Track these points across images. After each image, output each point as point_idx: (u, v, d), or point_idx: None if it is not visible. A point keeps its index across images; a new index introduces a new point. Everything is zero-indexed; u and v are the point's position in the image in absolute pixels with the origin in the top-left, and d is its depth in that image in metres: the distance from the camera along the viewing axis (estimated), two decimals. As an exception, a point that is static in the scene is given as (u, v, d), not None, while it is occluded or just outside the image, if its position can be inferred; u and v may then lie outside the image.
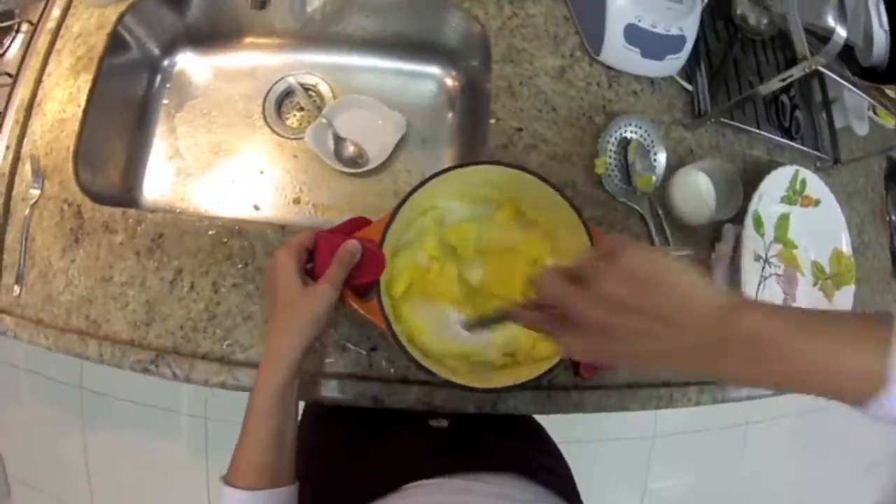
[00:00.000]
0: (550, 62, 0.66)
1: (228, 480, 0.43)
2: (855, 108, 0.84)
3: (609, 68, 0.68)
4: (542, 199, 0.52)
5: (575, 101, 0.65)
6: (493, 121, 0.63)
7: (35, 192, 0.63)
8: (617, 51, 0.66)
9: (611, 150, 0.64)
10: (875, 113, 0.91)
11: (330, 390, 0.57)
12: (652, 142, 0.66)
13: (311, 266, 0.48)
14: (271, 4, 0.73)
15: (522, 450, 0.59)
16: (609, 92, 0.67)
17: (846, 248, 0.77)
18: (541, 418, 0.69)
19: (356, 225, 0.50)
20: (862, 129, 0.85)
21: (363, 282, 0.47)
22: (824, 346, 0.29)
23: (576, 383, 0.59)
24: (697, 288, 0.32)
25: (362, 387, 0.56)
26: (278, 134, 0.77)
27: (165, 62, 0.79)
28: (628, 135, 0.65)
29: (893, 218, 0.97)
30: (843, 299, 0.75)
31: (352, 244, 0.46)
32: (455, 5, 0.68)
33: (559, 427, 0.67)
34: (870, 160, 0.88)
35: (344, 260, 0.45)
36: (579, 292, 0.33)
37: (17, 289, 0.60)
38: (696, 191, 0.63)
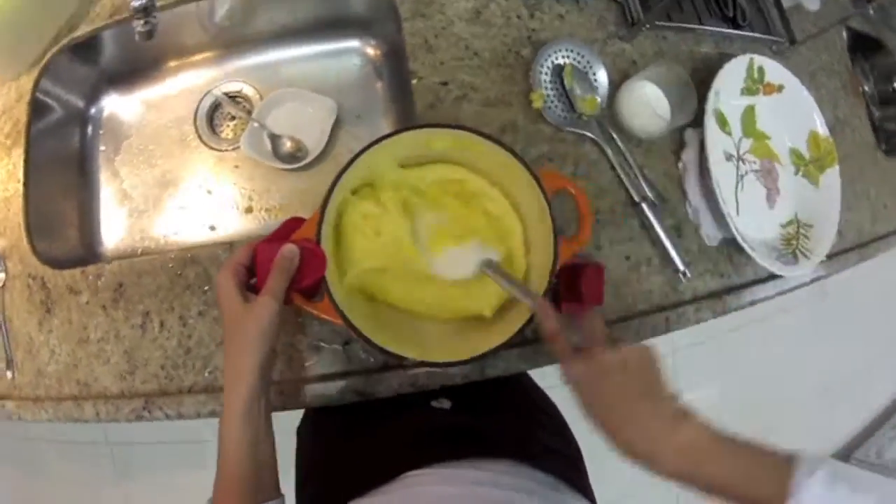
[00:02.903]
0: (463, 5, 0.60)
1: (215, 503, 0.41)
2: (801, -16, 0.76)
3: (527, -2, 0.62)
4: (477, 150, 0.47)
5: (497, 40, 0.59)
6: (415, 81, 0.57)
7: (0, 276, 0.61)
8: (530, -23, 0.59)
9: (545, 81, 0.58)
10: (825, -16, 0.83)
11: (314, 394, 0.53)
12: (588, 62, 0.60)
13: (254, 281, 0.45)
14: (179, 26, 0.69)
15: (526, 431, 0.57)
16: (532, 21, 0.61)
17: (822, 128, 0.70)
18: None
19: (291, 227, 0.46)
20: (813, 4, 0.78)
21: (308, 283, 0.44)
22: (744, 462, 0.36)
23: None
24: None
25: (345, 383, 0.53)
26: (215, 149, 0.73)
27: (92, 111, 0.75)
28: (560, 61, 0.59)
29: (867, 88, 0.90)
30: (830, 182, 0.69)
31: (287, 249, 0.43)
32: (352, -27, 0.63)
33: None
34: (828, 35, 0.81)
35: (282, 267, 0.43)
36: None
37: (9, 373, 0.60)
38: (645, 102, 0.57)
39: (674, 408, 0.39)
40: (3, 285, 0.61)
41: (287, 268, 0.43)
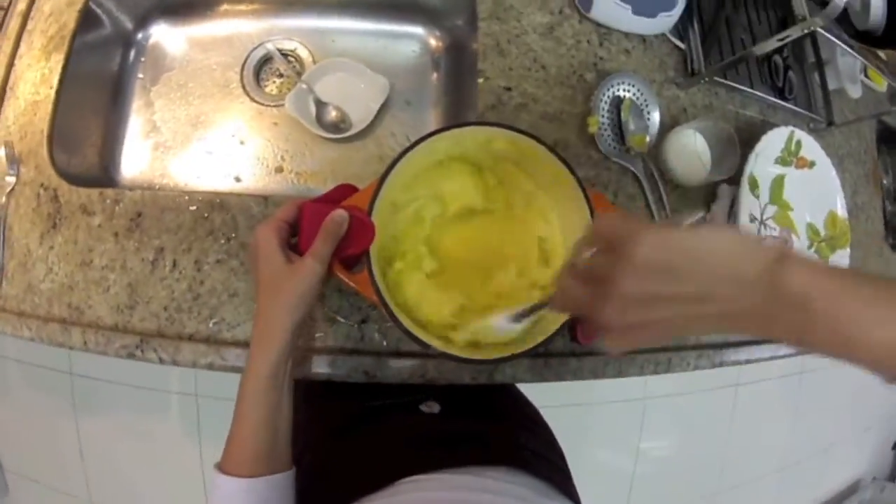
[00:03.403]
0: (539, 19, 0.62)
1: (223, 468, 0.40)
2: (848, 71, 0.81)
3: (599, 25, 0.64)
4: (535, 159, 0.48)
5: (565, 59, 0.61)
6: (481, 80, 0.58)
7: (11, 180, 0.59)
8: (608, 7, 0.61)
9: (603, 109, 0.60)
10: (867, 76, 0.88)
11: (321, 366, 0.53)
12: (645, 101, 0.62)
13: (295, 240, 0.44)
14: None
15: (516, 437, 0.57)
16: (600, 50, 0.63)
17: (841, 210, 0.74)
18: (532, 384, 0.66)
19: (342, 193, 0.46)
20: (855, 91, 0.82)
21: (352, 253, 0.43)
22: (881, 314, 0.26)
23: (573, 350, 0.56)
24: (729, 252, 0.28)
25: (354, 361, 0.53)
26: (258, 102, 0.72)
27: (139, 36, 0.74)
28: (621, 93, 0.61)
29: (885, 182, 0.95)
30: (839, 261, 0.73)
31: (338, 214, 0.42)
32: (438, -38, 0.64)
33: (552, 391, 0.64)
34: (861, 123, 0.86)
35: (330, 231, 0.42)
36: (602, 299, 0.30)
37: None
38: (691, 150, 0.60)
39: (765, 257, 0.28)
40: (12, 190, 0.59)
41: (335, 233, 0.42)
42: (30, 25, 0.64)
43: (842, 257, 0.73)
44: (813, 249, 0.74)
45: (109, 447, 1.33)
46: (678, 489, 1.57)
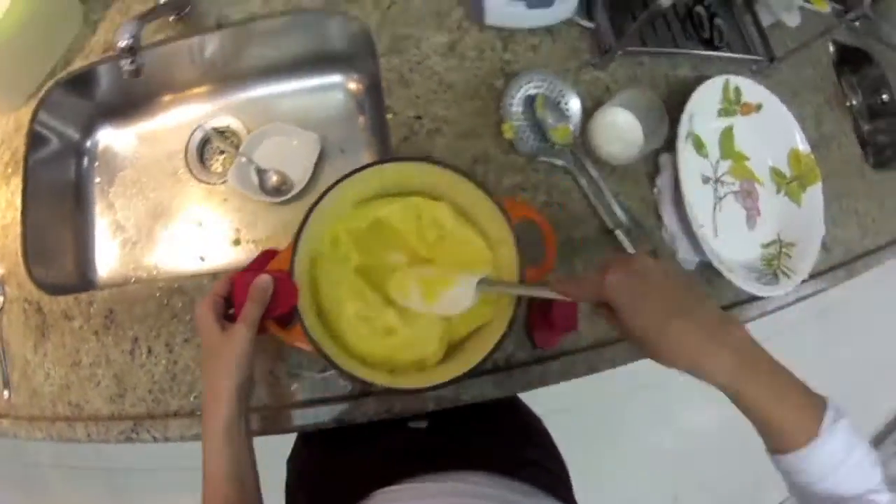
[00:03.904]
0: (438, 39, 0.64)
1: None
2: (781, 1, 0.79)
3: (500, 29, 0.65)
4: (443, 182, 0.50)
5: (471, 72, 0.63)
6: (390, 116, 0.61)
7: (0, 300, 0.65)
8: (500, 10, 0.63)
9: (517, 112, 0.62)
10: (807, 0, 0.85)
11: (294, 420, 0.57)
12: (560, 92, 0.63)
13: (232, 311, 0.49)
14: (171, 62, 0.74)
15: (509, 446, 0.59)
16: (506, 54, 0.65)
17: (802, 145, 0.72)
18: (556, 386, 0.67)
19: (267, 259, 0.50)
20: (792, 20, 0.79)
21: (283, 311, 0.47)
22: (781, 385, 0.38)
23: (537, 356, 0.57)
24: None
25: (324, 410, 0.56)
26: (205, 182, 0.77)
27: (88, 143, 0.81)
28: (532, 91, 0.62)
29: (855, 102, 0.91)
30: (813, 199, 0.71)
31: (261, 280, 0.47)
32: (333, 11, 0.67)
33: (573, 392, 0.65)
34: (813, 52, 0.83)
35: (256, 297, 0.46)
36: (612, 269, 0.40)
37: (6, 393, 0.63)
38: (617, 128, 0.60)
39: (718, 313, 0.39)
40: (2, 308, 0.65)
41: (261, 298, 0.46)
42: None
43: (815, 193, 0.71)
44: (782, 193, 0.72)
45: None
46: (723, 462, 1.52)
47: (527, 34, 0.65)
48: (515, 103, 0.61)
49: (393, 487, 0.46)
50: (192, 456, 1.50)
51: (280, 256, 0.49)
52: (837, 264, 0.75)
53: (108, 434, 0.59)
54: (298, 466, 0.64)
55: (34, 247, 0.67)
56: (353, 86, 0.76)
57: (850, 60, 0.90)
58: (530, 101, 0.62)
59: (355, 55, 0.71)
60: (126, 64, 0.61)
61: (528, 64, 0.64)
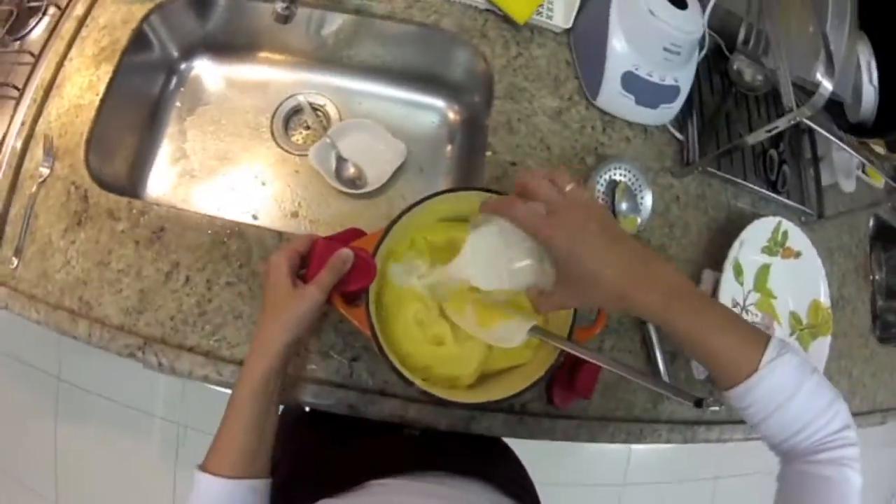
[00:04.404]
0: (549, 103, 0.72)
1: (206, 467, 0.46)
2: (843, 166, 0.89)
3: (604, 113, 0.74)
4: None
5: (569, 142, 0.71)
6: (489, 153, 0.68)
7: (44, 171, 0.66)
8: (613, 96, 0.72)
9: (600, 191, 0.70)
10: (864, 172, 0.97)
11: (309, 394, 0.60)
12: (640, 186, 0.71)
13: (304, 272, 0.52)
14: (290, 24, 0.80)
15: (489, 462, 0.63)
16: (602, 136, 0.73)
17: (824, 299, 0.81)
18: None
19: (352, 236, 0.54)
20: (849, 186, 0.90)
21: (353, 289, 0.51)
22: (723, 315, 0.43)
23: (548, 411, 0.63)
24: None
25: (340, 394, 0.60)
26: (283, 148, 0.82)
27: (182, 66, 0.85)
28: (617, 177, 0.70)
29: (877, 277, 1.03)
30: (819, 350, 0.80)
31: (344, 252, 0.50)
32: (465, 42, 0.75)
33: (533, 467, 0.70)
34: (857, 219, 0.94)
35: (335, 266, 0.49)
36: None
37: (14, 261, 0.63)
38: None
39: (644, 247, 0.44)
40: (44, 180, 0.66)
41: (339, 268, 0.49)
42: (83, 32, 0.73)
43: (822, 344, 0.80)
44: (794, 337, 0.81)
45: (85, 457, 1.39)
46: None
47: (625, 125, 0.74)
48: (601, 183, 0.70)
49: (387, 480, 0.49)
50: (145, 399, 1.50)
51: (366, 239, 0.53)
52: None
53: (111, 342, 0.60)
54: (278, 448, 0.67)
55: (99, 137, 0.69)
56: (451, 115, 0.83)
57: (885, 238, 1.02)
58: (613, 185, 0.70)
59: (466, 88, 0.79)
60: (281, 7, 0.64)
61: (618, 151, 0.73)
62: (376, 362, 0.61)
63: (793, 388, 0.39)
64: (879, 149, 0.85)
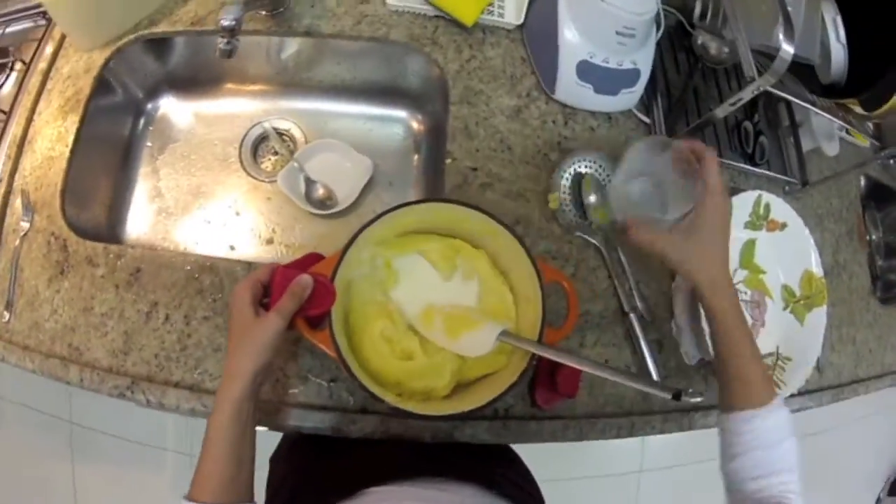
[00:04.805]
0: (507, 101, 0.72)
1: (190, 496, 0.47)
2: (823, 129, 0.87)
3: (565, 106, 0.74)
4: (488, 233, 0.57)
5: (530, 140, 0.71)
6: (448, 161, 0.68)
7: (25, 225, 0.69)
8: (570, 88, 0.71)
9: (565, 186, 0.69)
10: (847, 133, 0.94)
11: (292, 419, 0.61)
12: (608, 175, 0.70)
13: (266, 301, 0.53)
14: (248, 54, 0.81)
15: (489, 465, 0.64)
16: (565, 129, 0.72)
17: (816, 269, 0.79)
18: (526, 456, 0.73)
19: (311, 261, 0.55)
20: (832, 149, 0.88)
21: (315, 313, 0.52)
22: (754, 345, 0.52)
23: (533, 413, 0.63)
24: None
25: (323, 416, 0.61)
26: (253, 177, 0.84)
27: (149, 105, 0.87)
28: (582, 170, 0.70)
29: (873, 237, 1.00)
30: (816, 321, 0.78)
31: (304, 278, 0.51)
32: (417, 50, 0.75)
33: (546, 465, 0.70)
34: (844, 181, 0.92)
35: (295, 292, 0.51)
36: None
37: (6, 315, 0.66)
38: (632, 201, 0.62)
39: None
40: (26, 234, 0.68)
41: (299, 294, 0.50)
42: (49, 84, 0.75)
43: (819, 315, 0.78)
44: (788, 310, 0.79)
45: (103, 496, 1.43)
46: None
47: (588, 115, 0.74)
48: (565, 177, 0.69)
49: (385, 486, 0.50)
50: (156, 434, 1.54)
51: (324, 262, 0.54)
52: (826, 387, 0.82)
53: (102, 384, 0.62)
54: (283, 468, 0.69)
55: (73, 186, 0.71)
56: (415, 125, 0.84)
57: (878, 197, 0.99)
58: (579, 178, 0.69)
59: (425, 96, 0.79)
60: (222, 43, 0.66)
61: (583, 143, 0.72)
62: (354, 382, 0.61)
63: (786, 433, 0.46)
64: (857, 108, 0.82)
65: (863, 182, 0.97)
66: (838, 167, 0.89)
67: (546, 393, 0.62)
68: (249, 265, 0.66)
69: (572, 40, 0.68)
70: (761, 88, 0.61)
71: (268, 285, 0.53)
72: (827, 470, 1.71)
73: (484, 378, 0.57)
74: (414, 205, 0.56)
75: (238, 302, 0.51)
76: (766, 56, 0.62)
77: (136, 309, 0.64)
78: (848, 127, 0.87)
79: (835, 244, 0.88)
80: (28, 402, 1.46)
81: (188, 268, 0.66)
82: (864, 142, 0.95)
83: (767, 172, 0.83)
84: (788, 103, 0.88)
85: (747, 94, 0.63)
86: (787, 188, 0.85)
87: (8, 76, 0.78)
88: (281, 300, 0.50)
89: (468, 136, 0.69)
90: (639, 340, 0.66)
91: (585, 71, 0.69)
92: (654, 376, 0.66)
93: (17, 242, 0.68)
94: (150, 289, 0.65)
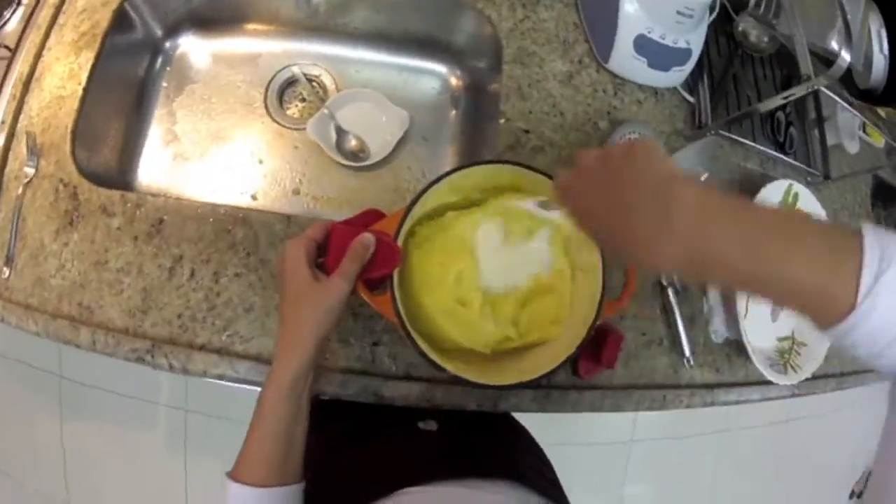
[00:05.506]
0: (559, 66, 0.69)
1: (236, 476, 0.43)
2: (847, 127, 0.90)
3: (615, 76, 0.72)
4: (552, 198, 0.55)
5: (581, 107, 0.69)
6: (502, 121, 0.66)
7: (29, 171, 0.63)
8: (625, 59, 0.69)
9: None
10: (865, 132, 0.97)
11: (332, 384, 0.58)
12: (654, 150, 0.70)
13: (322, 260, 0.49)
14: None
15: (512, 453, 0.62)
16: (614, 99, 0.71)
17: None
18: (522, 418, 0.72)
19: (370, 218, 0.51)
20: (853, 147, 0.90)
21: (377, 275, 0.48)
22: (797, 233, 0.31)
23: (574, 383, 0.63)
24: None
25: (364, 382, 0.58)
26: (279, 123, 0.78)
27: (168, 44, 0.80)
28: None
29: (877, 235, 1.04)
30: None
31: (366, 237, 0.47)
32: (469, 5, 0.71)
33: (542, 429, 0.70)
34: (857, 178, 0.95)
35: (358, 253, 0.46)
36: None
37: (6, 271, 0.60)
38: None
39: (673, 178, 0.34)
40: (30, 181, 0.62)
41: (362, 255, 0.46)
42: (61, 19, 0.68)
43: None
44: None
45: (92, 452, 1.37)
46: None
47: (636, 88, 0.72)
48: (616, 147, 0.68)
49: (417, 488, 0.46)
50: (149, 388, 1.49)
51: (386, 220, 0.50)
52: (830, 374, 0.85)
53: (117, 347, 0.57)
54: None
55: (85, 128, 0.66)
56: (453, 80, 0.80)
57: (884, 196, 1.03)
58: (629, 149, 0.68)
59: (471, 53, 0.76)
60: None
61: (630, 115, 0.71)
62: (399, 346, 0.59)
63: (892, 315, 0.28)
64: (883, 113, 0.85)
65: (872, 181, 1.01)
66: (854, 164, 0.92)
67: (588, 363, 0.61)
68: (288, 218, 0.61)
69: (633, 14, 0.67)
70: (815, 88, 0.61)
71: (323, 244, 0.48)
72: (805, 457, 1.81)
73: (535, 346, 0.56)
74: (483, 164, 0.52)
75: (293, 263, 0.46)
76: (813, 54, 0.63)
77: (157, 264, 0.59)
78: (870, 126, 0.90)
79: (846, 238, 0.91)
80: (16, 356, 1.38)
81: (217, 219, 0.60)
82: (879, 141, 0.98)
83: (794, 162, 0.84)
84: (817, 98, 0.90)
85: (800, 91, 0.64)
86: (809, 179, 0.87)
87: (14, 10, 0.70)
88: (343, 262, 0.46)
89: (521, 98, 0.67)
90: (674, 314, 0.67)
91: (642, 45, 0.68)
92: (686, 350, 0.67)
93: (20, 190, 0.62)
94: (174, 242, 0.60)
